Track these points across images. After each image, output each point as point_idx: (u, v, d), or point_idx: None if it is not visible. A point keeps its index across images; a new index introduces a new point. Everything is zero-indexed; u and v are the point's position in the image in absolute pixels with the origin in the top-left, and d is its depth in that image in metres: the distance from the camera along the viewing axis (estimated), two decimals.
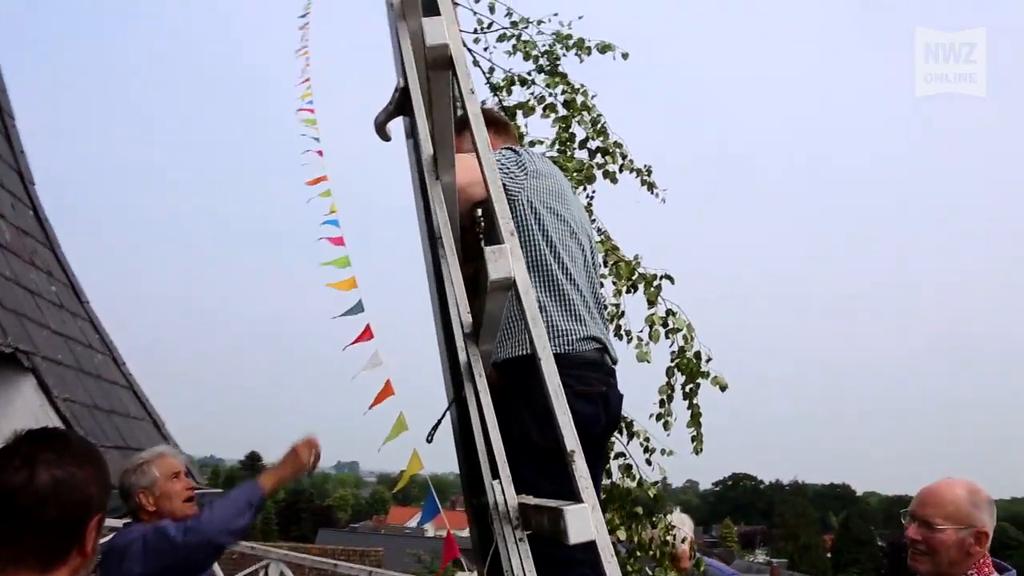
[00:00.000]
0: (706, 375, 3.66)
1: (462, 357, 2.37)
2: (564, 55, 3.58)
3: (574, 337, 2.59)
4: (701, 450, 3.47)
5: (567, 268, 2.60)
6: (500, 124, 3.08)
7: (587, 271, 2.72)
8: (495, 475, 2.24)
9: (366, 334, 6.59)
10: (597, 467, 2.65)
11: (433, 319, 3.13)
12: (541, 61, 3.44)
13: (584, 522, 1.26)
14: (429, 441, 2.84)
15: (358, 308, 6.79)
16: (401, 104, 3.22)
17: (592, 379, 2.59)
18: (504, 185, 2.52)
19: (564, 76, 3.54)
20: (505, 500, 1.79)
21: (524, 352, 2.54)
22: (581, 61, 3.58)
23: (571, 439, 1.31)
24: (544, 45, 3.54)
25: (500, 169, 2.49)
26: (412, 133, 3.25)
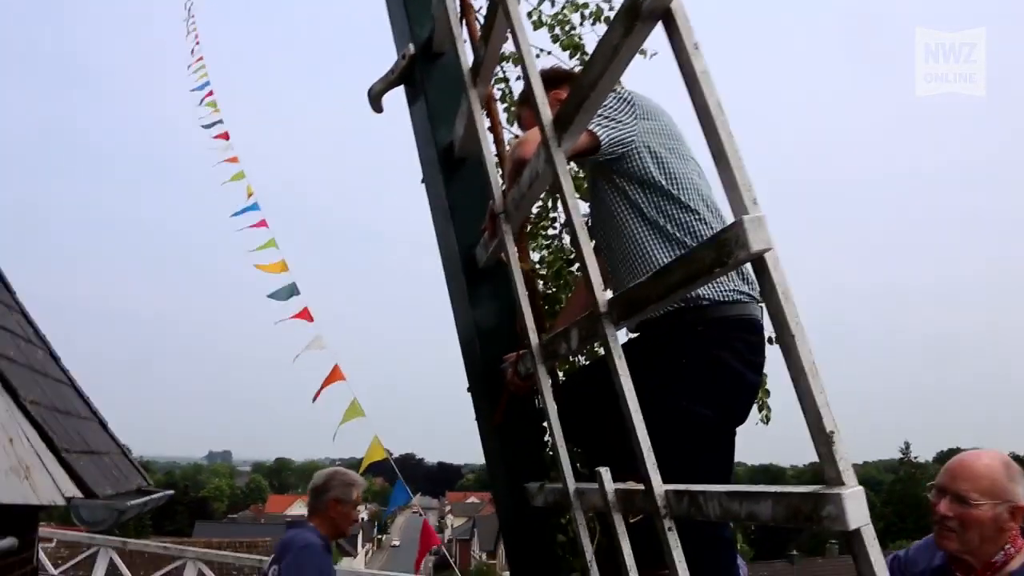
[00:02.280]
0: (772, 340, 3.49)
1: (534, 339, 2.25)
2: (580, 25, 3.42)
3: (739, 287, 2.25)
4: (769, 419, 3.37)
5: (704, 217, 2.26)
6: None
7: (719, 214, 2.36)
8: (598, 462, 2.14)
9: (304, 315, 6.36)
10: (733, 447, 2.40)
11: (454, 304, 2.98)
12: (556, 31, 3.26)
13: (862, 505, 1.17)
14: (496, 423, 2.69)
15: (291, 291, 6.55)
16: (406, 74, 3.04)
17: (759, 346, 2.29)
18: (612, 136, 2.23)
19: (581, 47, 3.37)
20: (652, 488, 1.67)
21: (674, 306, 2.19)
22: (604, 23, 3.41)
23: (829, 419, 1.21)
24: (554, 16, 3.35)
25: (606, 119, 2.21)
26: (415, 101, 3.08)
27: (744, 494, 1.43)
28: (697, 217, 2.28)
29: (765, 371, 3.21)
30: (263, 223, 7.05)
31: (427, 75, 2.87)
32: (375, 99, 3.18)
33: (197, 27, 9.52)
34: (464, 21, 2.83)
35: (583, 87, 1.57)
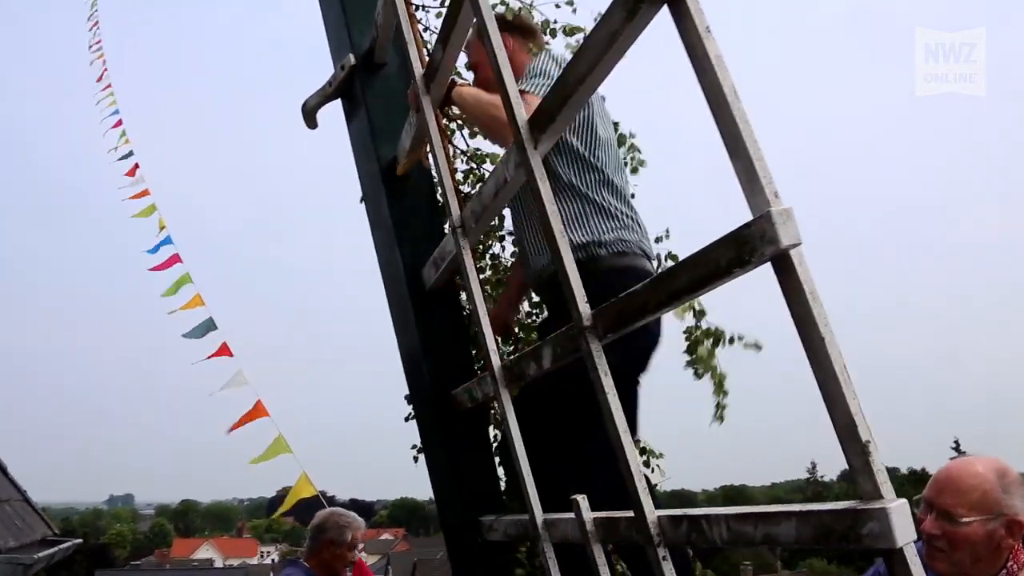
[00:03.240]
0: (734, 340, 3.31)
1: (495, 360, 2.12)
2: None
3: (639, 247, 2.48)
4: (724, 419, 3.23)
5: (613, 182, 2.51)
6: (527, 30, 2.81)
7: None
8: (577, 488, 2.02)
9: (223, 351, 6.08)
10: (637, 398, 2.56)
11: (399, 328, 2.82)
12: None
13: (909, 520, 1.08)
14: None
15: (208, 326, 6.25)
16: (344, 86, 2.89)
17: None
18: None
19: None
20: (643, 514, 1.55)
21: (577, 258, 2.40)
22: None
23: (864, 427, 1.12)
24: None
25: (541, 84, 2.35)
26: (354, 115, 2.93)
27: (760, 515, 1.32)
28: (611, 191, 2.48)
29: (725, 371, 3.17)
30: (176, 258, 6.76)
31: (368, 87, 2.73)
32: (309, 114, 3.02)
33: (104, 53, 9.16)
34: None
35: (569, 82, 1.45)
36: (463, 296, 2.77)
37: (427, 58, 2.38)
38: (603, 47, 1.33)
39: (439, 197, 2.84)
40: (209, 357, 6.22)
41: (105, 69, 9.18)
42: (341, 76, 2.81)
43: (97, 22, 9.77)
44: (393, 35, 2.69)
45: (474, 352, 2.77)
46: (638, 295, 1.43)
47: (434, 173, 2.52)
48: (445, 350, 2.62)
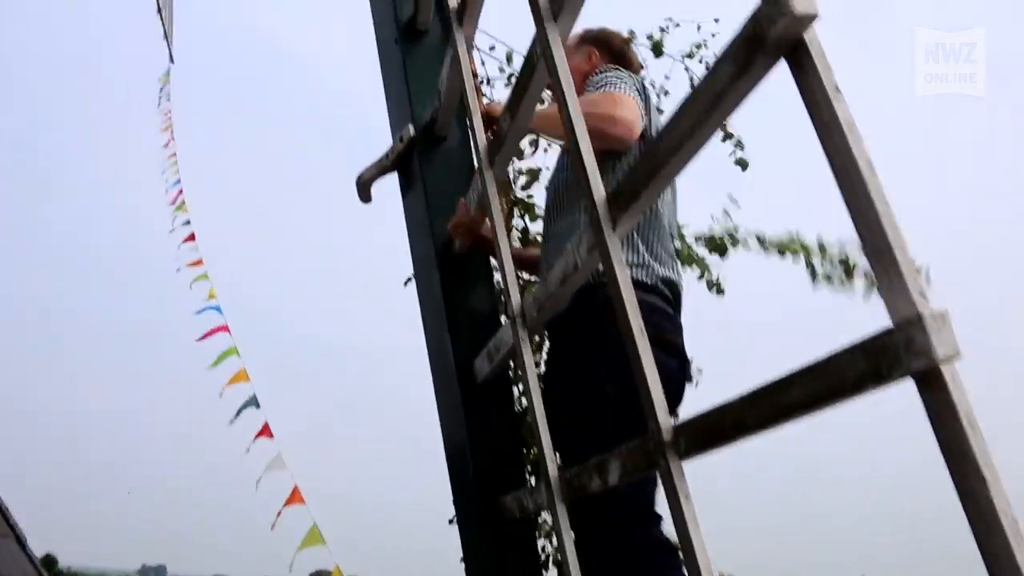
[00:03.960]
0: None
1: (552, 470, 1.87)
2: None
3: (660, 273, 2.22)
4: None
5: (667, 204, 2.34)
6: (615, 45, 2.63)
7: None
8: None
9: (264, 432, 5.88)
10: None
11: (444, 421, 2.60)
12: None
13: None
14: None
15: (251, 403, 6.08)
16: (402, 159, 2.75)
17: (667, 327, 2.17)
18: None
19: None
20: None
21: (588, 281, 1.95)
22: None
23: None
24: None
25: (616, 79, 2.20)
26: (410, 189, 2.77)
27: None
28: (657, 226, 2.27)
29: None
30: (225, 328, 6.63)
31: (427, 160, 2.57)
32: (364, 187, 2.87)
33: (172, 124, 9.30)
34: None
35: (660, 150, 1.24)
36: (516, 389, 2.55)
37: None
38: (706, 108, 1.12)
39: (497, 282, 2.65)
40: (255, 438, 6.04)
41: (172, 139, 9.29)
42: (399, 148, 2.66)
43: (168, 93, 9.97)
44: (456, 108, 2.55)
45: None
46: (733, 409, 1.18)
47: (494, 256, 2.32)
48: (494, 450, 2.38)
